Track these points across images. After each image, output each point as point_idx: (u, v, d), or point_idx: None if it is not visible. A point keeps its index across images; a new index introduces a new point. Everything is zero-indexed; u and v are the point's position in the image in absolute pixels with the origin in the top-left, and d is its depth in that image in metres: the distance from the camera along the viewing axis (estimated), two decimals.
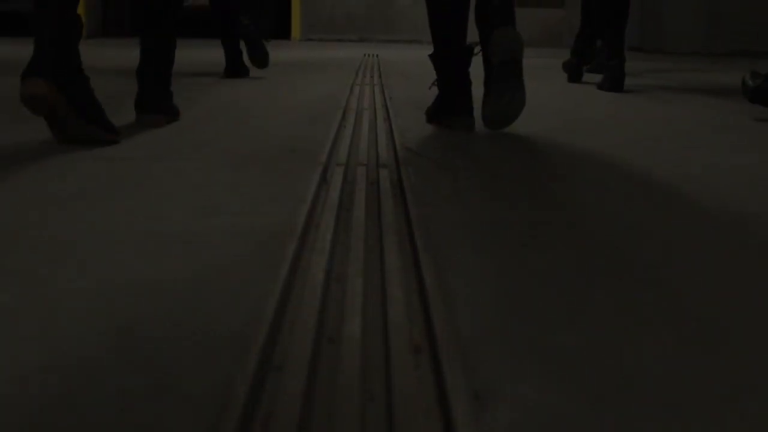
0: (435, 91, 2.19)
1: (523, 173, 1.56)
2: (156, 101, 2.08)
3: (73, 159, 1.58)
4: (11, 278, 0.88)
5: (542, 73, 4.76)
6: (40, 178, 1.41)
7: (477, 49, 2.09)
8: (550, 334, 0.76)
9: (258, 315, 0.76)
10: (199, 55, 5.33)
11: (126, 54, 5.51)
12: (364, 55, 6.28)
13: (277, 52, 6.29)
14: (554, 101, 3.09)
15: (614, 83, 3.45)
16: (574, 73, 4.09)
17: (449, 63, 2.09)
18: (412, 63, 5.27)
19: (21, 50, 2.38)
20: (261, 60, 4.08)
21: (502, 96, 1.94)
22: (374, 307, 0.81)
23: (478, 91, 2.07)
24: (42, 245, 1.00)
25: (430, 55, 2.13)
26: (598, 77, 3.84)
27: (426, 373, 0.66)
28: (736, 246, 1.09)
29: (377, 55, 6.16)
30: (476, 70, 2.07)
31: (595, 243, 1.07)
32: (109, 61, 4.56)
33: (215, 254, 0.97)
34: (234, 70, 3.96)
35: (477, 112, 2.07)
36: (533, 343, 0.73)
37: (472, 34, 2.01)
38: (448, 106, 2.09)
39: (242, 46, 4.01)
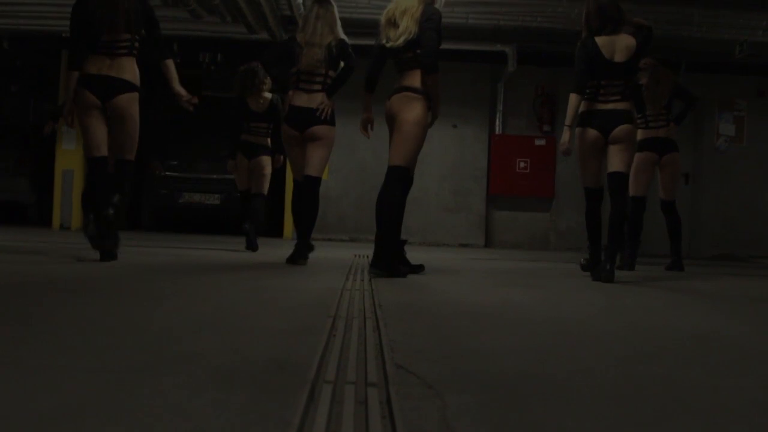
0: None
1: (515, 391, 1.52)
2: (305, 253, 5.08)
3: (47, 373, 1.53)
4: None
5: (534, 278, 4.80)
6: (22, 393, 1.36)
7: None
8: None
9: None
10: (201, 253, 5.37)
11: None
12: (355, 256, 6.38)
13: (268, 251, 6.39)
14: (545, 305, 3.09)
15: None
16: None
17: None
18: None
19: None
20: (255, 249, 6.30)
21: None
22: None
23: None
24: None
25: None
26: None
27: None
28: None
29: (367, 256, 6.24)
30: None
31: None
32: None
33: None
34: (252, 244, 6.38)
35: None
36: None
37: None
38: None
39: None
